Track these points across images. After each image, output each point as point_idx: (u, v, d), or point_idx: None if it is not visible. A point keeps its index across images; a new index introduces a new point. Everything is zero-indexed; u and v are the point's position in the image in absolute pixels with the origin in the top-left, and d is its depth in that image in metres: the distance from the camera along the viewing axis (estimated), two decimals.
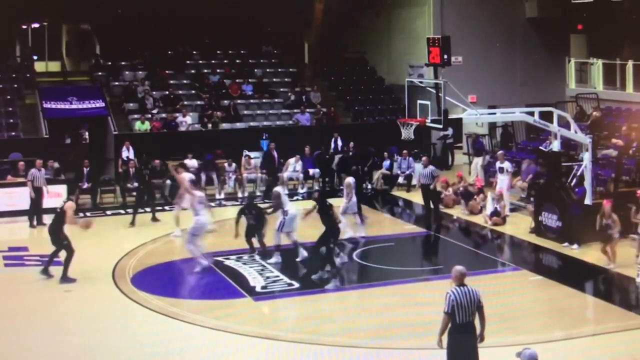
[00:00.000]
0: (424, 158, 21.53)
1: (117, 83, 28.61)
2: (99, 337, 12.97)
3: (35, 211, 20.79)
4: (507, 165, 21.39)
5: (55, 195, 21.32)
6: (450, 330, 9.72)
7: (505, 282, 15.60)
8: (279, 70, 31.05)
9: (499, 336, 10.24)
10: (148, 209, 21.10)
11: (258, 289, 15.16)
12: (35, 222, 20.66)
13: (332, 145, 26.35)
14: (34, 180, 20.65)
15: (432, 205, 20.83)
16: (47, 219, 20.60)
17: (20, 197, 21.70)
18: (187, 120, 26.64)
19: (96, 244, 18.39)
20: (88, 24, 31.07)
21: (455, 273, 9.78)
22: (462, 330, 9.66)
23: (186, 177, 18.58)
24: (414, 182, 24.14)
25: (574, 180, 19.48)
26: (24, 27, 32.27)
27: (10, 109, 26.28)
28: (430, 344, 12.24)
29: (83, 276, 16.09)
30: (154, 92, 27.81)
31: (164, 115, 26.84)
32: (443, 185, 22.53)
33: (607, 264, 16.30)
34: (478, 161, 24.95)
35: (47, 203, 21.52)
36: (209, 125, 26.91)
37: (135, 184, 22.12)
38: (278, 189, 17.49)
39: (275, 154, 25.20)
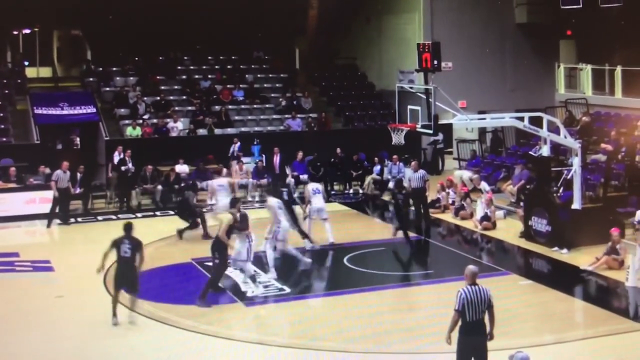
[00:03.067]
0: (413, 162, 21.57)
1: (108, 89, 28.61)
2: (90, 342, 12.98)
3: (61, 211, 21.18)
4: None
5: (47, 201, 21.31)
6: (460, 328, 10.03)
7: (495, 287, 15.38)
8: (270, 75, 31.10)
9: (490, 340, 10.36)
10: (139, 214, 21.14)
11: (249, 294, 15.19)
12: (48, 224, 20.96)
13: (231, 150, 25.39)
14: (58, 181, 20.98)
15: (422, 210, 20.91)
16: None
17: (11, 203, 21.73)
18: (178, 126, 26.63)
19: (88, 249, 18.39)
20: (79, 30, 31.05)
21: (467, 272, 10.20)
22: (472, 328, 9.96)
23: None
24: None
25: (562, 187, 19.60)
26: (15, 32, 32.21)
27: (1, 114, 26.23)
28: (422, 348, 12.39)
29: (75, 282, 16.12)
30: (145, 98, 27.79)
31: (155, 120, 26.84)
32: (438, 189, 22.61)
33: (589, 265, 16.46)
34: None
35: (38, 209, 21.60)
36: (200, 131, 26.87)
37: None
38: (273, 200, 16.98)
39: (277, 158, 24.90)
